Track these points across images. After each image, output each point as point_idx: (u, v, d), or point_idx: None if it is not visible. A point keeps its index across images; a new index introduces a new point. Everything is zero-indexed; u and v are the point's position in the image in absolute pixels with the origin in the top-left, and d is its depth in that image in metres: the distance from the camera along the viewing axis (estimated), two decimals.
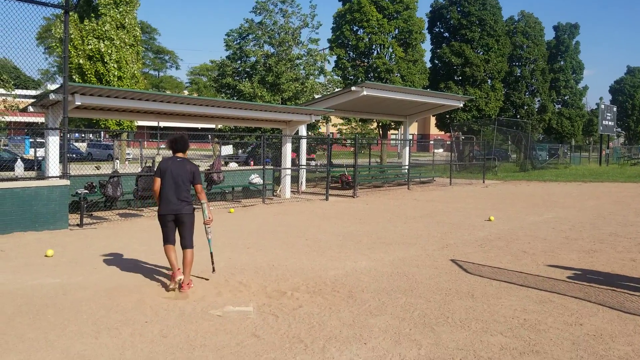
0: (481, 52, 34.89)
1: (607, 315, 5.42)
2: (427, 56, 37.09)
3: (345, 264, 7.65)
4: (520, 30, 39.39)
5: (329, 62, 29.83)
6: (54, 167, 11.07)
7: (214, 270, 6.79)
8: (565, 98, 45.43)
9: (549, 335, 4.87)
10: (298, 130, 18.31)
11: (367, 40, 29.48)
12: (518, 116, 39.01)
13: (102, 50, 20.60)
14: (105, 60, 20.75)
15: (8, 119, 13.18)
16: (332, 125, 40.71)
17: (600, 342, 4.71)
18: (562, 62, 44.88)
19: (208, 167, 14.94)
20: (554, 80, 43.59)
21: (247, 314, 5.38)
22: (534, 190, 20.95)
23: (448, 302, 5.82)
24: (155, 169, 6.43)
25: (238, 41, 26.37)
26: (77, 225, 10.64)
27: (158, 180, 6.27)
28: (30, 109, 11.37)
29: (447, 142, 28.42)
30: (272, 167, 17.87)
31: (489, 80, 35.56)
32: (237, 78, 25.74)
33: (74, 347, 4.46)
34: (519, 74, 39.60)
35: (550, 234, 10.40)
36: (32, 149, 23.91)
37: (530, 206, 15.14)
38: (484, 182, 24.66)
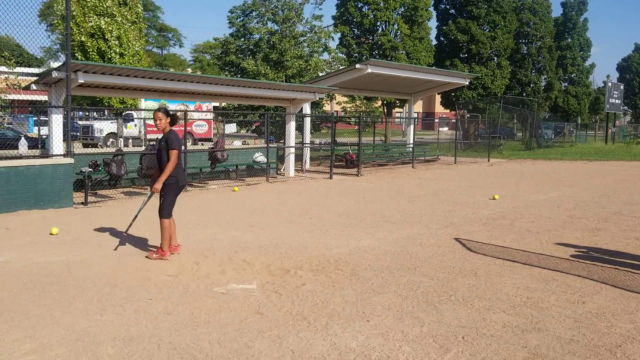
0: (487, 29, 34.50)
1: (610, 294, 5.43)
2: (433, 33, 36.63)
3: (348, 242, 7.67)
4: (527, 7, 38.87)
5: (333, 39, 29.58)
6: (57, 145, 11.07)
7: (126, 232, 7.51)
8: (572, 76, 45.03)
9: (551, 312, 4.88)
10: (302, 108, 18.22)
11: (372, 17, 29.16)
12: (524, 94, 38.71)
13: (103, 27, 20.41)
14: (107, 37, 20.57)
15: (11, 97, 13.14)
16: (337, 103, 40.49)
17: (602, 320, 4.72)
18: (569, 40, 44.42)
19: (212, 146, 14.92)
20: (561, 57, 43.17)
21: (251, 292, 5.41)
22: (539, 168, 20.88)
23: (451, 281, 5.84)
24: (174, 142, 6.37)
25: (241, 18, 26.12)
26: (82, 203, 10.68)
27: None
28: (33, 87, 11.33)
29: (452, 121, 28.25)
30: (275, 145, 17.83)
31: (495, 58, 35.24)
32: (241, 56, 25.55)
33: (79, 324, 4.50)
34: (525, 52, 39.19)
35: (554, 212, 10.38)
36: (36, 127, 23.91)
37: (535, 185, 15.10)
38: (489, 160, 24.58)
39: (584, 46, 45.13)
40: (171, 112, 6.61)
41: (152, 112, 6.45)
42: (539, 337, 4.33)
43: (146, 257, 6.63)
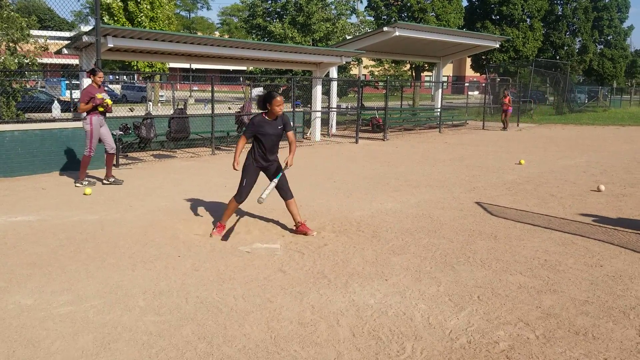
0: None
1: (629, 258, 5.47)
2: None
3: (371, 205, 7.80)
4: None
5: (361, 1, 29.16)
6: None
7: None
8: (609, 38, 43.58)
9: (567, 275, 4.97)
10: (329, 73, 18.18)
11: None
12: (557, 57, 37.73)
13: None
14: (139, 0, 20.69)
15: (44, 60, 13.45)
16: (364, 67, 40.08)
17: (619, 283, 4.78)
18: (606, 0, 42.82)
19: (239, 110, 15.07)
20: (597, 19, 41.73)
21: (275, 251, 5.61)
22: (569, 133, 20.55)
23: (470, 243, 5.94)
24: (289, 123, 6.11)
25: None
26: (113, 165, 10.98)
27: None
28: (65, 51, 11.56)
29: (483, 85, 27.80)
30: (302, 109, 17.88)
31: (528, 20, 34.29)
32: (268, 19, 25.45)
33: (112, 278, 4.77)
34: (560, 13, 38.01)
35: (580, 177, 10.31)
36: (68, 91, 24.40)
37: (563, 150, 14.93)
38: (518, 125, 24.24)
39: (621, 7, 43.49)
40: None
41: (259, 96, 5.99)
42: (553, 298, 4.43)
43: (305, 234, 6.19)
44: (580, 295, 4.51)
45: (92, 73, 9.04)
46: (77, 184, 8.90)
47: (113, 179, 9.20)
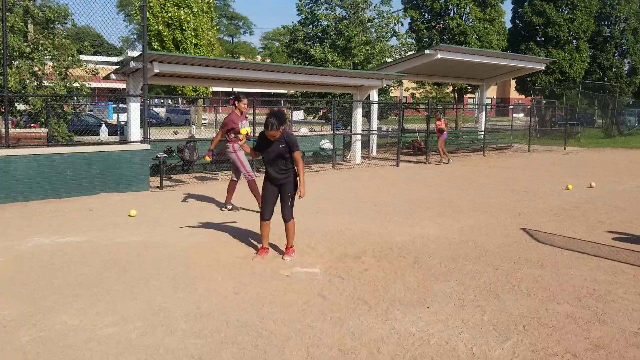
0: (565, 11, 32.89)
1: None
2: (508, 16, 35.23)
3: (413, 230, 7.70)
4: None
5: (402, 24, 29.26)
6: (135, 132, 11.67)
7: None
8: None
9: (617, 305, 4.76)
10: (369, 95, 18.21)
11: (443, 0, 28.57)
12: (605, 79, 36.78)
13: (182, 18, 21.18)
14: (184, 27, 21.33)
15: (93, 85, 13.96)
16: (405, 89, 39.96)
17: None
18: None
19: None
20: None
21: (315, 275, 5.59)
22: (619, 157, 19.92)
23: (516, 271, 5.78)
24: (295, 144, 6.00)
25: (310, 5, 26.32)
26: (157, 187, 11.23)
27: None
28: (113, 76, 11.97)
29: (528, 107, 27.29)
30: (342, 132, 17.91)
31: (574, 41, 33.61)
32: (309, 43, 25.77)
33: (155, 300, 4.83)
34: (607, 34, 37.13)
35: (630, 204, 9.95)
36: (115, 114, 25.17)
37: (613, 174, 14.46)
38: (565, 148, 23.67)
39: None
40: (281, 113, 5.93)
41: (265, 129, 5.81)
42: (602, 329, 4.25)
43: (283, 258, 6.18)
44: (631, 326, 4.32)
45: (236, 99, 8.72)
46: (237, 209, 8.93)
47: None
